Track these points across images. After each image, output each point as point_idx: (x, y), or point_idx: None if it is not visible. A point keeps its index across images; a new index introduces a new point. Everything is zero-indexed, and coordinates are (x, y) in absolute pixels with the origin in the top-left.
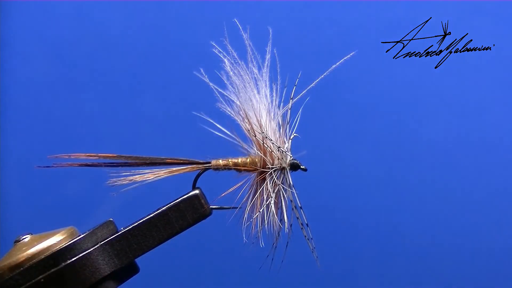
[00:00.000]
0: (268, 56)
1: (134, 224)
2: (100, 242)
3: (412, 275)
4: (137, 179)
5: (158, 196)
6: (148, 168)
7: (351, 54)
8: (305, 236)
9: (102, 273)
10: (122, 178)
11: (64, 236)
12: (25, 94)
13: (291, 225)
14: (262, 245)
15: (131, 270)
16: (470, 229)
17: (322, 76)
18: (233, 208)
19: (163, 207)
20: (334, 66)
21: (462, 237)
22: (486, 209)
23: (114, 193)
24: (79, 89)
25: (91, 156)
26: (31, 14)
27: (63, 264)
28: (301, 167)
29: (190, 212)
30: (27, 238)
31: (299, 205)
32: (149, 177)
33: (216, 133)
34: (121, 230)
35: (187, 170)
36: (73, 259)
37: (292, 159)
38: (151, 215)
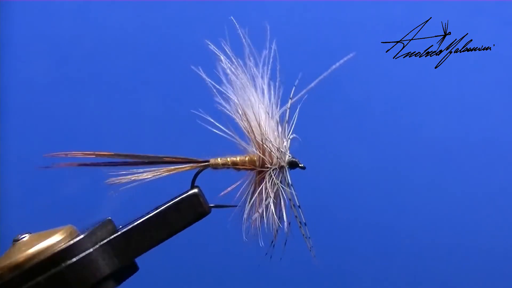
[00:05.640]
0: (265, 53)
1: (133, 224)
2: (100, 242)
3: (411, 275)
4: (136, 178)
5: (157, 196)
6: (146, 167)
7: (350, 56)
8: (303, 235)
9: (102, 273)
10: (121, 177)
11: (63, 236)
12: (25, 94)
13: (289, 223)
14: (262, 244)
15: (130, 269)
16: (470, 229)
17: (321, 77)
18: (232, 206)
19: (162, 206)
20: (333, 67)
21: (462, 237)
22: (486, 209)
23: (113, 192)
24: (79, 88)
25: (88, 154)
26: (31, 14)
27: (63, 265)
28: (300, 165)
29: (190, 211)
30: (26, 237)
31: (298, 204)
32: (148, 176)
33: (215, 131)
34: (120, 229)
35: (186, 168)
36: (73, 260)
37: (291, 158)
38: (150, 215)
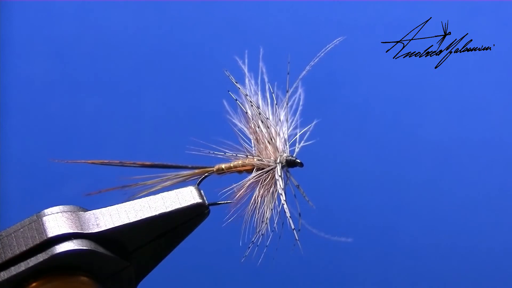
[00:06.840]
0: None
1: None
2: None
3: (412, 275)
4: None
5: None
6: (152, 173)
7: (339, 39)
8: (296, 236)
9: (61, 231)
10: (128, 184)
11: None
12: (25, 94)
13: (283, 223)
14: (254, 240)
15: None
16: (470, 229)
17: (312, 63)
18: (228, 202)
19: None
20: (322, 52)
21: (463, 237)
22: (487, 210)
23: (127, 199)
24: (80, 89)
25: (94, 162)
26: (31, 14)
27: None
28: (297, 161)
29: (182, 200)
30: None
31: (293, 192)
32: (155, 186)
33: (218, 136)
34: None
35: (191, 175)
36: (51, 214)
37: (288, 156)
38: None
